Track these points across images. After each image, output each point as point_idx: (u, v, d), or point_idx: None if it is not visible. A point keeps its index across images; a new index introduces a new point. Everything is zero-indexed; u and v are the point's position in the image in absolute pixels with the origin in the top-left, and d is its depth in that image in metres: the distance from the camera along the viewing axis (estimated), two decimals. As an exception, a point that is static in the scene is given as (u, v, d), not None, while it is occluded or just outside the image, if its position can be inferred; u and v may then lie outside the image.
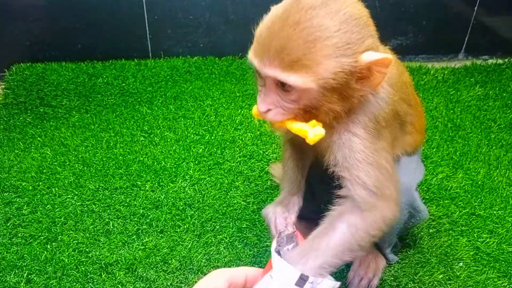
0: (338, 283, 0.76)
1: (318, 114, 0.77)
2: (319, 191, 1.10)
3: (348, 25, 0.71)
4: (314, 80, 0.71)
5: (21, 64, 1.92)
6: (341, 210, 0.82)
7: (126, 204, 1.33)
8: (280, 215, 0.94)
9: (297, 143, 1.00)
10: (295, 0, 0.72)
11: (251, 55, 0.76)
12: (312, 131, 0.77)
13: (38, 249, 1.19)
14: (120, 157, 1.48)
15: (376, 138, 0.82)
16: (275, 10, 0.75)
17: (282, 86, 0.75)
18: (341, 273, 1.14)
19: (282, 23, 0.71)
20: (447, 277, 1.15)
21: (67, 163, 1.46)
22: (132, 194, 1.36)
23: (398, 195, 0.85)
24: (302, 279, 0.72)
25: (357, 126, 0.81)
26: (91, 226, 1.26)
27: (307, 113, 0.78)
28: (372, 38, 0.75)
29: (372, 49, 0.74)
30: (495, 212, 1.32)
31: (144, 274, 1.14)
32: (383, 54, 0.73)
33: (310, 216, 1.00)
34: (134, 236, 1.24)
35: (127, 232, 1.25)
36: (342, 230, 0.80)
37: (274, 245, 0.83)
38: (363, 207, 0.81)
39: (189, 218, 1.29)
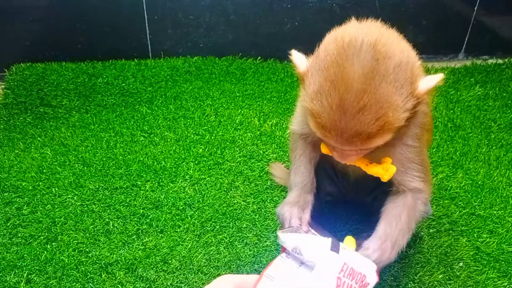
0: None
1: (394, 140, 0.83)
2: (324, 186, 1.11)
3: (401, 76, 0.73)
4: (391, 134, 0.76)
5: (21, 64, 1.92)
6: (396, 199, 0.95)
7: (126, 204, 1.33)
8: (296, 215, 0.94)
9: (310, 141, 1.01)
10: (340, 76, 0.72)
11: (321, 134, 0.79)
12: (388, 173, 0.87)
13: (38, 249, 1.19)
14: (120, 157, 1.48)
15: (422, 141, 0.91)
16: (324, 87, 0.74)
17: None
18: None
19: (344, 111, 0.72)
20: (447, 277, 1.15)
21: (67, 163, 1.46)
22: (132, 194, 1.36)
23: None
24: (335, 244, 0.74)
25: (411, 138, 0.89)
26: (91, 226, 1.26)
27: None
28: (416, 61, 0.79)
29: (420, 73, 0.78)
30: (495, 212, 1.32)
31: (144, 274, 1.14)
32: (435, 77, 0.77)
33: (311, 216, 1.00)
34: (134, 236, 1.24)
35: (127, 232, 1.25)
36: (403, 212, 0.92)
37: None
38: (415, 193, 0.94)
39: (189, 218, 1.29)
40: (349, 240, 0.88)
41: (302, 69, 0.81)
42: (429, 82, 0.77)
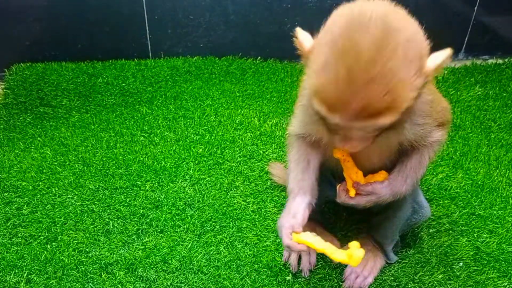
0: None
1: (403, 122, 0.82)
2: (323, 190, 1.10)
3: (410, 51, 0.70)
4: (400, 112, 0.71)
5: (21, 64, 1.92)
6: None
7: (126, 204, 1.33)
8: (285, 224, 0.94)
9: (310, 140, 0.99)
10: (349, 46, 0.69)
11: (325, 110, 0.73)
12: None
13: (38, 249, 1.19)
14: (120, 157, 1.48)
15: (431, 117, 0.92)
16: (330, 60, 0.70)
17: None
18: (339, 270, 1.14)
19: (352, 82, 0.68)
20: (447, 277, 1.15)
21: (67, 163, 1.46)
22: (132, 194, 1.36)
23: None
24: None
25: (420, 117, 0.89)
26: (91, 226, 1.26)
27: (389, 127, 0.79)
28: (424, 38, 0.75)
29: (428, 50, 0.74)
30: (495, 212, 1.32)
31: (144, 274, 1.14)
32: (443, 53, 0.74)
33: (311, 216, 0.99)
34: (134, 236, 1.24)
35: (127, 232, 1.25)
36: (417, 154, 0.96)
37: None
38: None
39: (189, 218, 1.29)
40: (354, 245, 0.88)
41: (308, 46, 0.78)
42: (437, 58, 0.73)
